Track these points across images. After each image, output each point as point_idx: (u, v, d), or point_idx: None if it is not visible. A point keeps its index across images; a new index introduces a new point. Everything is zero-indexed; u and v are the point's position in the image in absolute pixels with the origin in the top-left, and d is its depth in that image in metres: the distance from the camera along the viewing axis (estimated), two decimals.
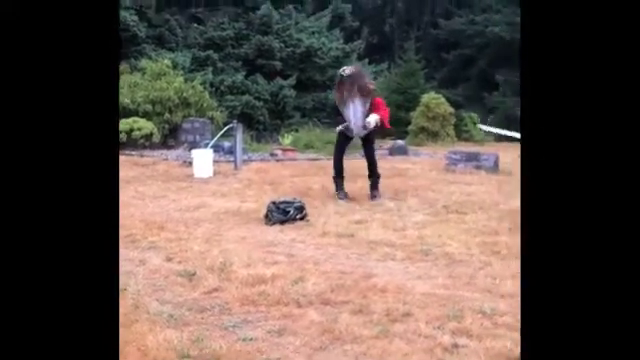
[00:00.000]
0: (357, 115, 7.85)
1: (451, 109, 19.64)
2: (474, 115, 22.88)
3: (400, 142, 15.64)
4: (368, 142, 8.20)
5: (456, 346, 3.26)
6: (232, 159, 11.20)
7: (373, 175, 8.12)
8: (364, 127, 7.84)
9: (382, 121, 7.80)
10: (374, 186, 8.08)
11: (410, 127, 19.72)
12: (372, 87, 8.11)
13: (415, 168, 11.51)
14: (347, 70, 7.99)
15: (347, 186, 8.30)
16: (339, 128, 8.07)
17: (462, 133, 20.82)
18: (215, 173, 10.21)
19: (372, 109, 7.81)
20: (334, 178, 8.17)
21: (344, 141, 8.20)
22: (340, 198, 7.89)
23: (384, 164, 11.92)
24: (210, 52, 20.90)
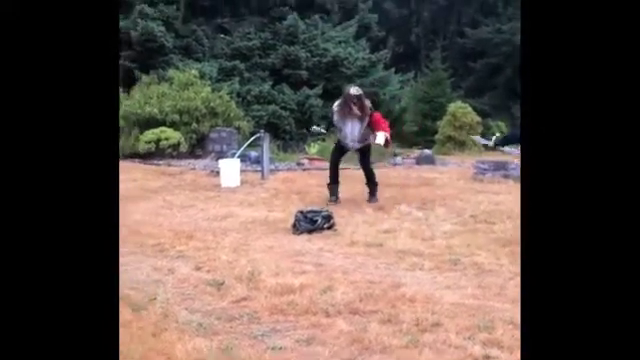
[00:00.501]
0: (354, 132, 8.35)
1: (478, 118, 19.56)
2: (501, 124, 22.77)
3: (427, 151, 15.59)
4: (363, 154, 8.68)
5: (487, 357, 3.23)
6: (259, 168, 11.22)
7: (370, 183, 8.56)
8: (362, 142, 8.41)
9: (387, 140, 8.30)
10: (372, 193, 8.51)
11: (437, 136, 19.67)
12: (370, 105, 8.49)
13: (442, 177, 11.44)
14: (354, 90, 8.45)
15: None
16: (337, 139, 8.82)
17: None
18: (242, 182, 10.23)
19: (373, 125, 8.30)
20: (328, 185, 8.63)
21: (340, 152, 8.78)
22: (331, 201, 8.32)
23: (411, 173, 11.90)
24: (237, 62, 20.97)
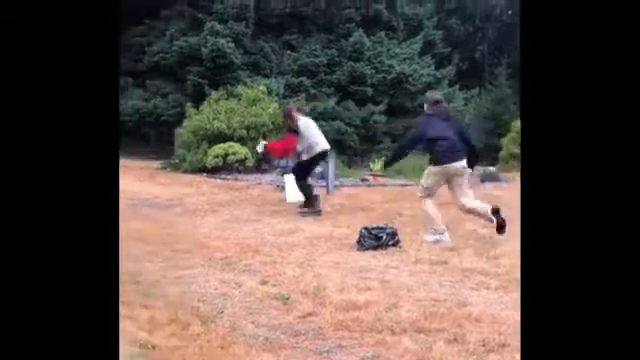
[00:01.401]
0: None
1: None
2: None
3: (491, 169, 15.43)
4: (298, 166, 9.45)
5: None
6: (324, 184, 11.29)
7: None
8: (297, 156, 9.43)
9: (265, 147, 10.06)
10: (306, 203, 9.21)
11: (501, 153, 19.41)
12: (294, 120, 9.30)
13: (508, 195, 11.28)
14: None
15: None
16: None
17: None
18: None
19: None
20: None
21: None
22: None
23: (476, 191, 11.73)
24: (303, 78, 21.18)
